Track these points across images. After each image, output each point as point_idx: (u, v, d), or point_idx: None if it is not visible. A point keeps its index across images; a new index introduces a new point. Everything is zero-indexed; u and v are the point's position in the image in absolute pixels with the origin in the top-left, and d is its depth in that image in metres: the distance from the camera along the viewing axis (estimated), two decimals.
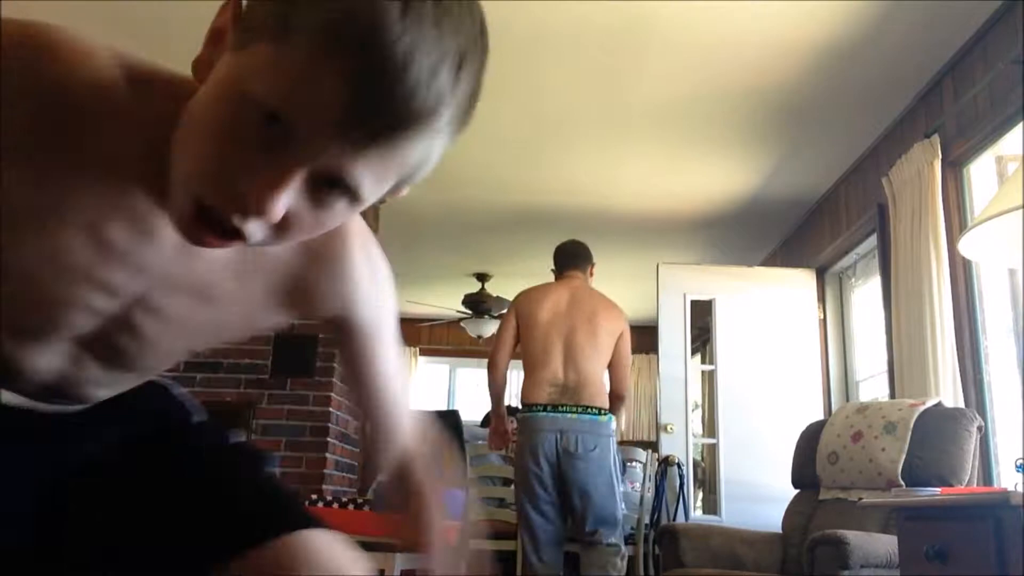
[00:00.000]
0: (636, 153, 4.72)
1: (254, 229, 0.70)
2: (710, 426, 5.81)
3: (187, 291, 0.86)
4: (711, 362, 5.26)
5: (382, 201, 0.77)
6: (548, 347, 3.59)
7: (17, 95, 0.73)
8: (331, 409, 4.37)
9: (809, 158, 4.71)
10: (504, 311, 6.72)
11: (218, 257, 0.85)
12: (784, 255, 5.99)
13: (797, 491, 3.71)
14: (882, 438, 3.21)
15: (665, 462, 4.96)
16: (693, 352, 5.75)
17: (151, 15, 3.51)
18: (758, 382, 5.03)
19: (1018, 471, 2.10)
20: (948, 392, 3.31)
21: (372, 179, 0.69)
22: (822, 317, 5.22)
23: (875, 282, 4.52)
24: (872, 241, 4.47)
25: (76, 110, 0.75)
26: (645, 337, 8.73)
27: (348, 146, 0.65)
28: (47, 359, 0.86)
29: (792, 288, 5.22)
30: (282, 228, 0.70)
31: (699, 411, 6.62)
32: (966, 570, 1.91)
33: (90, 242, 0.77)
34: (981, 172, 3.50)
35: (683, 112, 4.21)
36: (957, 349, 3.36)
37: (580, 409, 3.57)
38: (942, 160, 3.50)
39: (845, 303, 5.25)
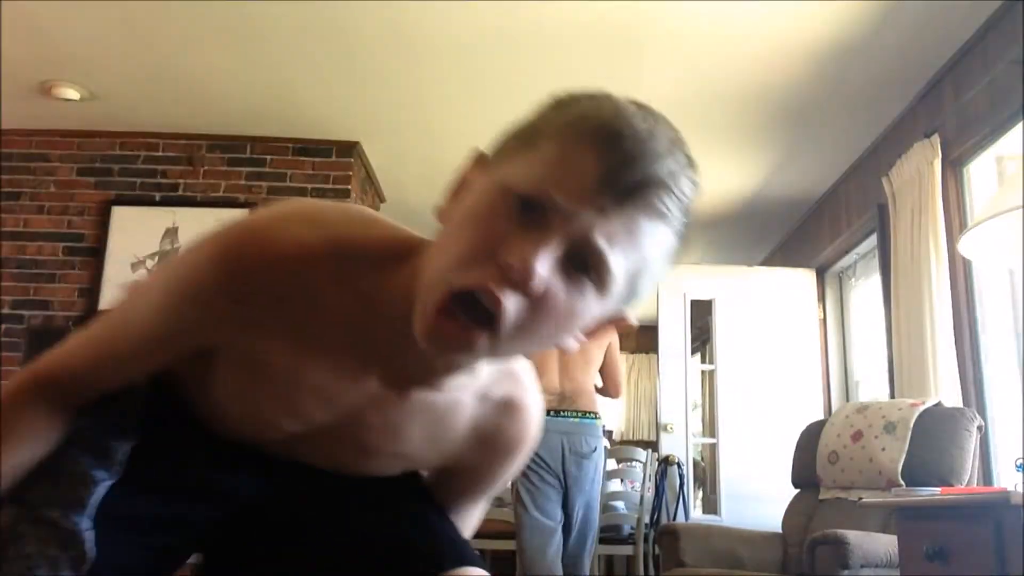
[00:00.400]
0: None
1: (512, 304, 0.72)
2: (710, 426, 5.81)
3: (378, 429, 0.95)
4: (711, 362, 5.26)
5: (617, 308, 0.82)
6: (545, 361, 3.84)
7: (251, 293, 0.85)
8: None
9: (809, 158, 4.71)
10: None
11: (410, 410, 0.93)
12: (784, 255, 5.99)
13: (797, 491, 3.71)
14: (882, 438, 3.21)
15: (665, 462, 4.96)
16: (693, 352, 5.75)
17: (151, 15, 3.51)
18: (758, 382, 5.03)
19: (1018, 471, 2.10)
20: (948, 392, 3.31)
21: (617, 256, 0.74)
22: (822, 317, 5.22)
23: (875, 282, 4.52)
24: (872, 241, 4.47)
25: (298, 293, 0.85)
26: (645, 337, 8.73)
27: (599, 212, 0.72)
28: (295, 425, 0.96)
29: (792, 288, 5.22)
30: (537, 308, 0.73)
31: (699, 411, 6.62)
32: (966, 570, 1.91)
33: (312, 396, 0.91)
34: (981, 172, 3.50)
35: (683, 112, 4.21)
36: (957, 349, 3.36)
37: (580, 414, 3.86)
38: (942, 160, 3.50)
39: (845, 303, 5.25)
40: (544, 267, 0.71)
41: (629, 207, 0.73)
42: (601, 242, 0.73)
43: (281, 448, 1.00)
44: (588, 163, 0.72)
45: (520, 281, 0.70)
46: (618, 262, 0.75)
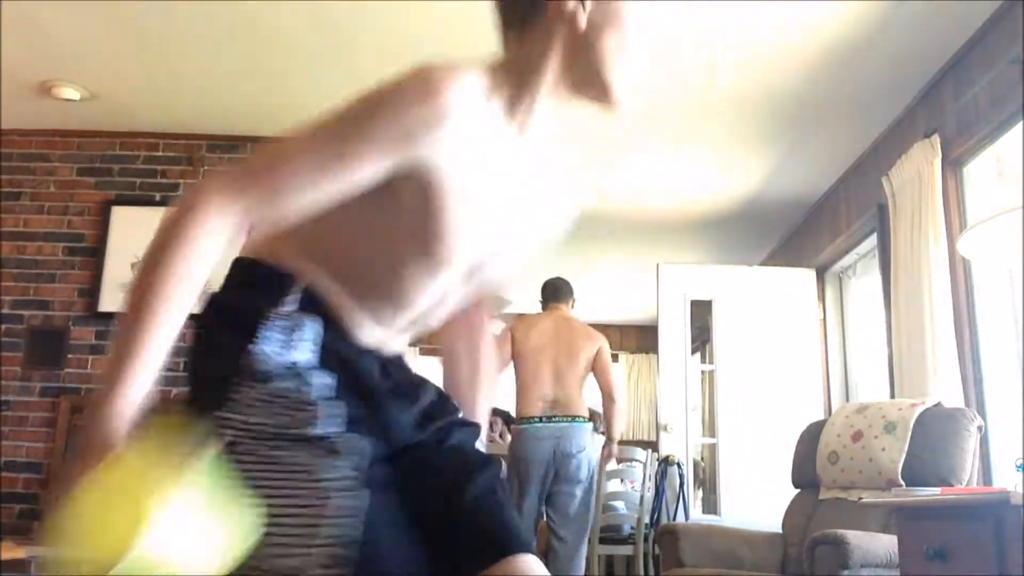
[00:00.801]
0: (636, 153, 4.73)
1: None
2: (710, 426, 5.81)
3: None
4: (711, 362, 5.26)
5: None
6: (538, 369, 4.26)
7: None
8: None
9: (809, 158, 4.71)
10: (503, 311, 6.73)
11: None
12: (784, 255, 5.99)
13: (797, 491, 3.71)
14: (882, 438, 3.21)
15: (665, 462, 4.96)
16: (693, 352, 5.74)
17: (151, 15, 3.51)
18: (758, 382, 5.03)
19: (1018, 471, 2.10)
20: (947, 392, 3.31)
21: None
22: (822, 317, 5.22)
23: (875, 282, 4.52)
24: (872, 241, 4.47)
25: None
26: (645, 337, 8.73)
27: None
28: (431, 292, 1.12)
29: (792, 288, 5.22)
30: None
31: (699, 411, 6.62)
32: (966, 570, 1.91)
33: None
34: (981, 172, 3.49)
35: (683, 112, 4.21)
36: (957, 349, 3.36)
37: (569, 418, 4.19)
38: (942, 160, 3.50)
39: (845, 303, 5.25)
40: None
41: None
42: None
43: (438, 300, 1.16)
44: None
45: None
46: None
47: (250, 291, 1.11)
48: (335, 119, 1.03)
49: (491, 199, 1.09)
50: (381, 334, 1.15)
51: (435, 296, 1.14)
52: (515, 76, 1.13)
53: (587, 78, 1.16)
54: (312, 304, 1.08)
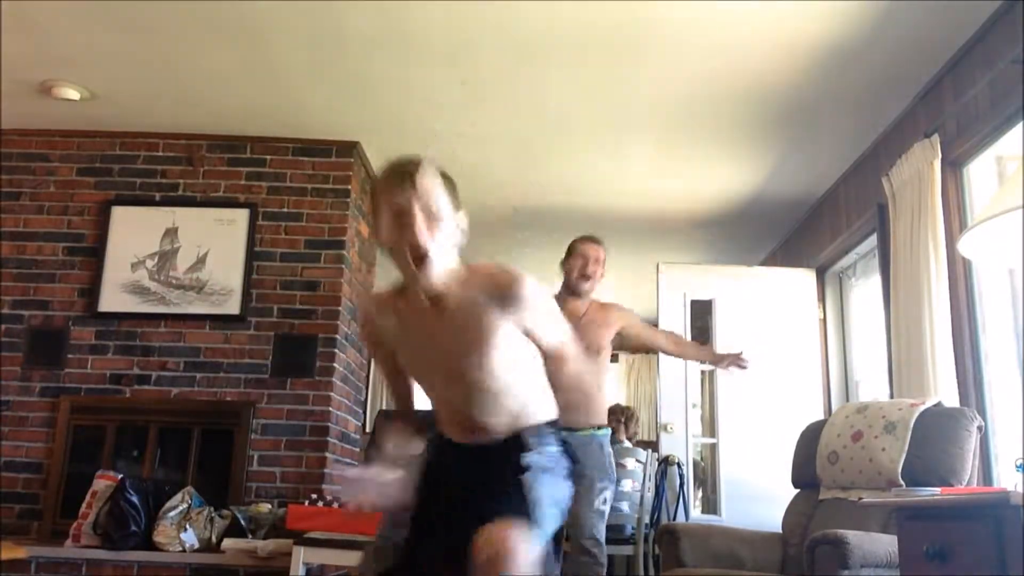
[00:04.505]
0: (636, 153, 4.73)
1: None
2: (710, 426, 5.81)
3: (448, 333, 1.78)
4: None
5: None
6: (594, 385, 3.57)
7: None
8: (331, 409, 4.36)
9: (809, 158, 4.71)
10: None
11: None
12: (784, 255, 5.99)
13: (797, 491, 3.71)
14: (882, 438, 3.20)
15: (665, 462, 4.96)
16: None
17: (151, 15, 3.51)
18: (758, 382, 5.03)
19: (1018, 471, 2.10)
20: (947, 392, 3.31)
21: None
22: (822, 317, 5.22)
23: (875, 282, 4.52)
24: (872, 241, 4.47)
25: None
26: None
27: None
28: (450, 395, 1.86)
29: (792, 288, 5.22)
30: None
31: (699, 411, 6.62)
32: (966, 570, 1.91)
33: (418, 345, 1.86)
34: (981, 172, 3.49)
35: (683, 112, 4.21)
36: (957, 349, 3.36)
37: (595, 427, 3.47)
38: (942, 160, 3.50)
39: (845, 303, 5.25)
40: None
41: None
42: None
43: (449, 401, 1.88)
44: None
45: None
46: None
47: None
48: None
49: (416, 343, 1.84)
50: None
51: (455, 396, 1.86)
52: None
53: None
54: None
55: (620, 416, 5.63)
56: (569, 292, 3.59)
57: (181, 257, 4.52)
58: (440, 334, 1.76)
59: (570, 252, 3.65)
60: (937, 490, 2.48)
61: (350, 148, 4.69)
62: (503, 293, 1.74)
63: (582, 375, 2.22)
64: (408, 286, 1.77)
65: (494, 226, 5.96)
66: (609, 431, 3.49)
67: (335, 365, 4.44)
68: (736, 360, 3.80)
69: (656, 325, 5.23)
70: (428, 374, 1.87)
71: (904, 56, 3.57)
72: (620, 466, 4.93)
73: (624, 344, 3.85)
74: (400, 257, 1.69)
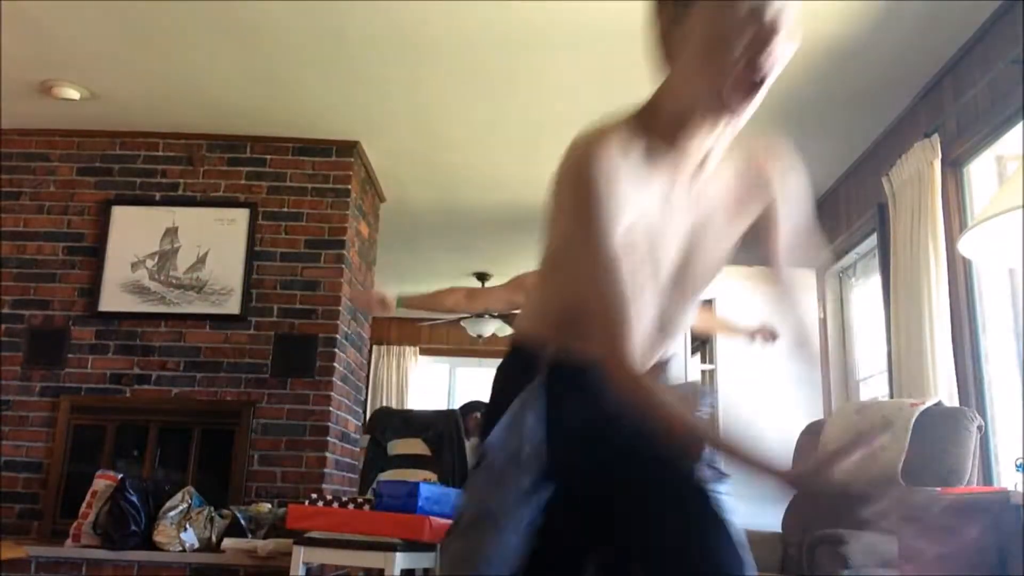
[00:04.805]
0: None
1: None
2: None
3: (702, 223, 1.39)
4: (711, 362, 5.26)
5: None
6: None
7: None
8: (331, 409, 4.36)
9: (809, 158, 4.67)
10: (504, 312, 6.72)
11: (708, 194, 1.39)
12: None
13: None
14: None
15: None
16: (693, 352, 5.74)
17: (151, 15, 3.51)
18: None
19: (1018, 471, 2.10)
20: (947, 391, 3.31)
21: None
22: (822, 317, 5.22)
23: (875, 282, 4.52)
24: (872, 240, 4.47)
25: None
26: None
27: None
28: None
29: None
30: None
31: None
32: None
33: (661, 238, 1.35)
34: (981, 172, 3.49)
35: None
36: (957, 348, 3.36)
37: None
38: (942, 160, 3.50)
39: (845, 302, 5.25)
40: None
41: None
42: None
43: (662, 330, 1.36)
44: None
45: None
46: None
47: None
48: (575, 240, 1.27)
49: (656, 236, 1.29)
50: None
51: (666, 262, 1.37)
52: (652, 121, 1.36)
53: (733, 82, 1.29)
54: None
55: None
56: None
57: (181, 257, 4.52)
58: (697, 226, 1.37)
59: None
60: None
61: (350, 148, 4.69)
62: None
63: None
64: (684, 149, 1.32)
65: (494, 226, 5.96)
66: None
67: (335, 365, 4.44)
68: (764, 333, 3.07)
69: None
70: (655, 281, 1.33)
71: (904, 56, 3.57)
72: None
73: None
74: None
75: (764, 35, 1.27)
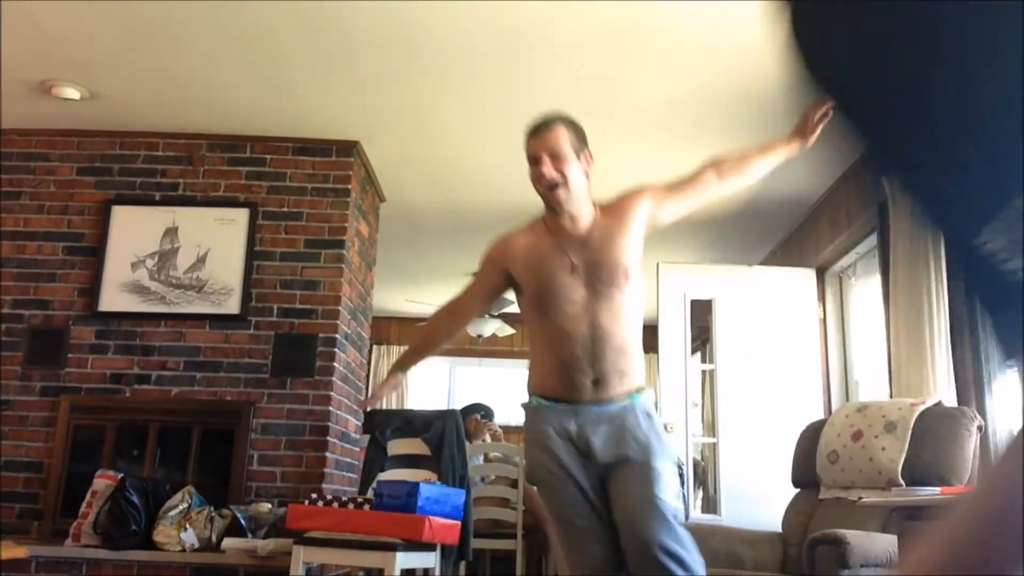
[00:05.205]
0: (636, 153, 4.72)
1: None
2: (710, 426, 5.81)
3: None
4: (711, 362, 5.26)
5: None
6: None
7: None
8: (331, 409, 4.36)
9: (809, 158, 4.69)
10: (503, 311, 6.73)
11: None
12: (784, 255, 5.99)
13: (797, 490, 3.71)
14: (882, 437, 3.21)
15: None
16: (693, 352, 5.74)
17: (151, 15, 3.51)
18: (758, 382, 5.03)
19: None
20: (947, 391, 3.31)
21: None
22: (822, 316, 5.22)
23: (875, 281, 4.52)
24: (872, 240, 4.47)
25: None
26: (645, 336, 8.71)
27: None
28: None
29: (792, 288, 5.22)
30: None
31: (699, 411, 6.62)
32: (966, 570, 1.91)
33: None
34: None
35: (683, 112, 4.21)
36: (957, 348, 3.36)
37: None
38: None
39: (845, 302, 5.25)
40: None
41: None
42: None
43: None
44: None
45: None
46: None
47: None
48: None
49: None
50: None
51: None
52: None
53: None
54: None
55: None
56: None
57: (181, 257, 4.52)
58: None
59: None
60: (937, 490, 2.48)
61: (350, 148, 4.69)
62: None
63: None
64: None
65: (494, 226, 5.95)
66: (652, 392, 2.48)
67: (335, 365, 4.44)
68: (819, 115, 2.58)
69: (657, 326, 5.23)
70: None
71: None
72: None
73: (669, 219, 2.54)
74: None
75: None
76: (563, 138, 2.29)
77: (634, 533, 2.13)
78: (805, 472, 3.62)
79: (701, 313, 5.41)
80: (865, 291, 4.96)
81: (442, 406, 8.60)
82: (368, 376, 6.86)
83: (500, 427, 5.66)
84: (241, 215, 4.57)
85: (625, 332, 2.29)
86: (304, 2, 3.37)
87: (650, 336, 6.99)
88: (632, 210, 2.34)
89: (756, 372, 5.05)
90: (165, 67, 3.96)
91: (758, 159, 2.58)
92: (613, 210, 2.35)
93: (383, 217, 5.46)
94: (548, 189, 2.24)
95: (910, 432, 3.14)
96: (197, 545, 3.80)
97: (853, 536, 2.62)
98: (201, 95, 4.24)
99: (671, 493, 2.18)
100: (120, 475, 3.94)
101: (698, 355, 7.02)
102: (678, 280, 5.23)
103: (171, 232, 4.55)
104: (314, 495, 3.73)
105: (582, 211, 2.31)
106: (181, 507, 3.86)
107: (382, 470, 3.95)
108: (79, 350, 4.43)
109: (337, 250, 4.58)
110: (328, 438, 4.34)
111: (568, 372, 2.22)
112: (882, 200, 4.14)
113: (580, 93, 4.03)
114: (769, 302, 5.17)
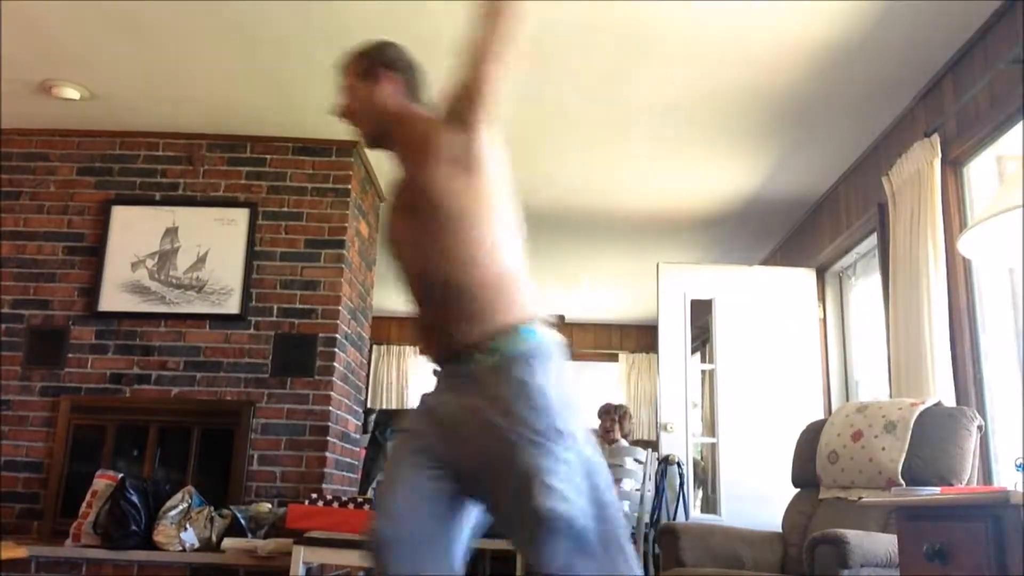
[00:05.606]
0: (636, 153, 4.73)
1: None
2: (710, 426, 5.81)
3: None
4: (711, 361, 5.26)
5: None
6: None
7: None
8: (331, 408, 4.36)
9: (809, 158, 4.71)
10: None
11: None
12: (784, 255, 6.00)
13: (797, 490, 3.71)
14: (882, 437, 3.21)
15: (665, 461, 4.96)
16: (693, 351, 5.75)
17: (151, 15, 3.51)
18: (758, 381, 5.03)
19: (1018, 471, 2.10)
20: (947, 391, 3.31)
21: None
22: (822, 316, 5.22)
23: (875, 281, 4.52)
24: (872, 240, 4.48)
25: None
26: (645, 336, 8.73)
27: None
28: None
29: (792, 288, 5.22)
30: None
31: (699, 410, 6.63)
32: (966, 570, 1.91)
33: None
34: (981, 172, 3.49)
35: (683, 112, 4.21)
36: (956, 348, 3.36)
37: None
38: (942, 160, 3.50)
39: (845, 302, 5.25)
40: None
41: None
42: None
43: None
44: None
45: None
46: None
47: None
48: None
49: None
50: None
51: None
52: None
53: None
54: None
55: (613, 414, 5.65)
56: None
57: (181, 257, 4.52)
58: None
59: None
60: (937, 490, 2.48)
61: (350, 148, 4.69)
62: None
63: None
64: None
65: None
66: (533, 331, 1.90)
67: (335, 365, 4.44)
68: None
69: (656, 325, 5.23)
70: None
71: (904, 56, 3.57)
72: (618, 466, 4.94)
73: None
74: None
75: None
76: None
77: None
78: (805, 472, 3.62)
79: (701, 313, 5.42)
80: (865, 291, 4.97)
81: None
82: (368, 376, 6.86)
83: None
84: (241, 215, 4.57)
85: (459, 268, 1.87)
86: (304, 2, 3.37)
87: (650, 336, 7.02)
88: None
89: (756, 372, 5.05)
90: (165, 67, 3.96)
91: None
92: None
93: (383, 216, 5.46)
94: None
95: (910, 432, 3.14)
96: (197, 545, 3.80)
97: (853, 536, 2.62)
98: (201, 95, 4.24)
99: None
100: (120, 475, 3.94)
101: (698, 355, 7.03)
102: (678, 280, 5.24)
103: (171, 232, 4.55)
104: (314, 495, 3.73)
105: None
106: (181, 507, 3.86)
107: (382, 470, 3.95)
108: (79, 350, 4.43)
109: (337, 250, 4.58)
110: (328, 438, 4.34)
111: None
112: (882, 200, 4.14)
113: (581, 93, 4.03)
114: (769, 302, 5.17)
